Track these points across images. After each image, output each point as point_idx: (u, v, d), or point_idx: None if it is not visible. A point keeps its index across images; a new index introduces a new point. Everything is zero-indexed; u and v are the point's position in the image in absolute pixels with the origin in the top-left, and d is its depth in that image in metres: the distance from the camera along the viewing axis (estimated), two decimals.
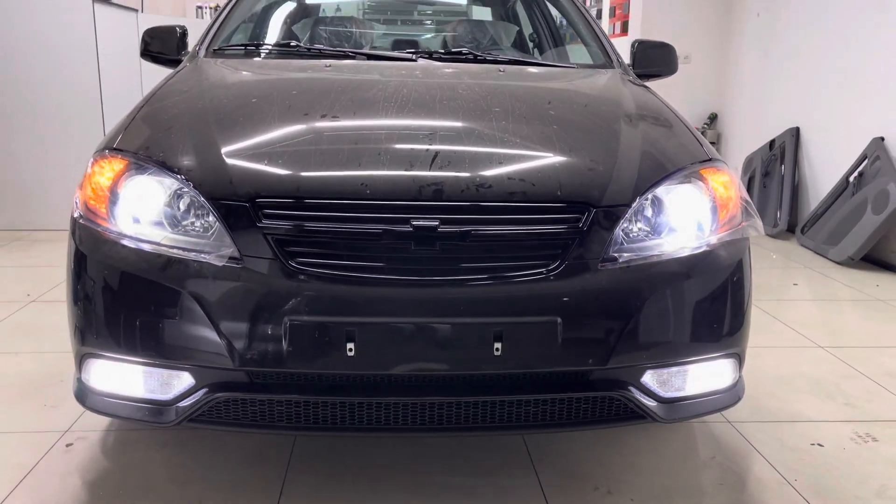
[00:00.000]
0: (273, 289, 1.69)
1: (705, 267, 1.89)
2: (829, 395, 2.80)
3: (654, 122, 2.24)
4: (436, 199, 1.74)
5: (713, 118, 7.10)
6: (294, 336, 1.67)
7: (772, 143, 6.08)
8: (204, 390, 1.76)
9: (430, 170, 1.79)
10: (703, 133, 7.05)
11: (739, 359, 1.99)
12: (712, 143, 7.02)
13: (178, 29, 2.96)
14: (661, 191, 1.91)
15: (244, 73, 2.62)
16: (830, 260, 4.94)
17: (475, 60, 2.81)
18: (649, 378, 1.85)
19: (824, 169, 5.55)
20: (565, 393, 1.79)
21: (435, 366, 1.73)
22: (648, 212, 1.90)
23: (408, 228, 1.70)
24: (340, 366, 1.70)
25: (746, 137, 6.62)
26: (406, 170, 1.80)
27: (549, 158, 1.91)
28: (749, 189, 6.24)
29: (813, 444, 2.41)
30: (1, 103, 5.17)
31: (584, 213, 1.79)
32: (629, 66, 3.04)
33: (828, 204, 5.28)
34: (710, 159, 2.04)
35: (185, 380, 1.77)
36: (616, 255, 1.80)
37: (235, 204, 1.74)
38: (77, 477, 2.12)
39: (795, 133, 5.85)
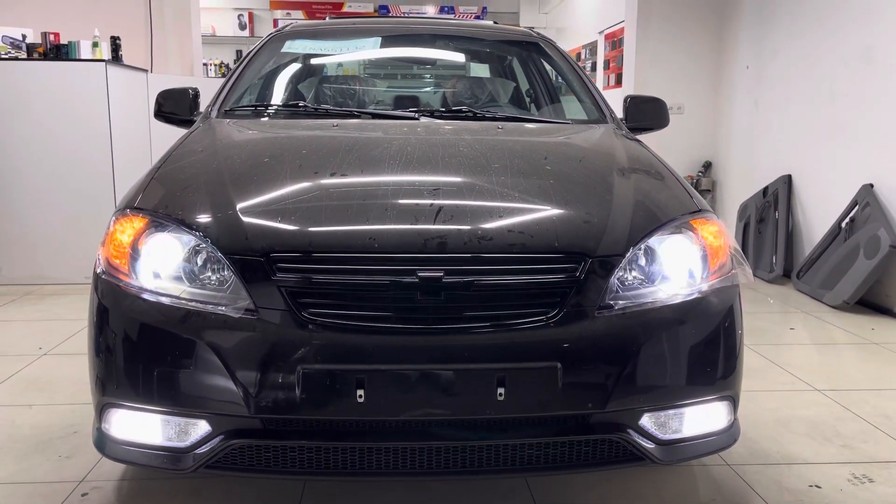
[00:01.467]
0: (286, 339, 1.78)
1: (698, 313, 1.98)
2: (826, 437, 2.86)
3: (646, 175, 2.36)
4: (440, 251, 1.84)
5: (707, 166, 7.26)
6: (307, 384, 1.75)
7: (765, 190, 6.22)
8: (220, 437, 1.83)
9: (434, 223, 1.90)
10: (697, 181, 7.20)
11: (734, 401, 2.07)
12: (707, 190, 7.17)
13: (190, 91, 3.09)
14: (653, 241, 2.01)
15: (256, 133, 2.75)
16: (826, 304, 5.03)
17: (474, 118, 2.95)
18: (647, 421, 1.93)
19: (817, 215, 5.68)
20: (566, 436, 1.87)
21: (441, 410, 1.81)
22: (642, 261, 2.00)
23: (414, 279, 1.80)
24: (351, 412, 1.78)
25: (740, 185, 6.76)
26: (412, 224, 1.90)
27: (547, 211, 2.02)
28: (744, 235, 6.36)
29: (811, 486, 2.47)
30: (14, 160, 5.32)
31: (580, 262, 1.89)
32: (622, 120, 3.17)
33: (822, 249, 5.39)
34: (699, 210, 2.15)
35: (201, 427, 1.85)
36: (612, 302, 1.89)
37: (251, 259, 1.84)
38: None
39: (788, 180, 5.99)
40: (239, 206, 1.97)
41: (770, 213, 6.07)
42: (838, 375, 3.62)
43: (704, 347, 1.98)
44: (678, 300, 1.96)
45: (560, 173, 2.29)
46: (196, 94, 3.10)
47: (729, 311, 2.04)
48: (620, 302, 1.90)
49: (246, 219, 1.93)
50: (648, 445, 1.93)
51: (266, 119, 2.99)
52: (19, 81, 5.25)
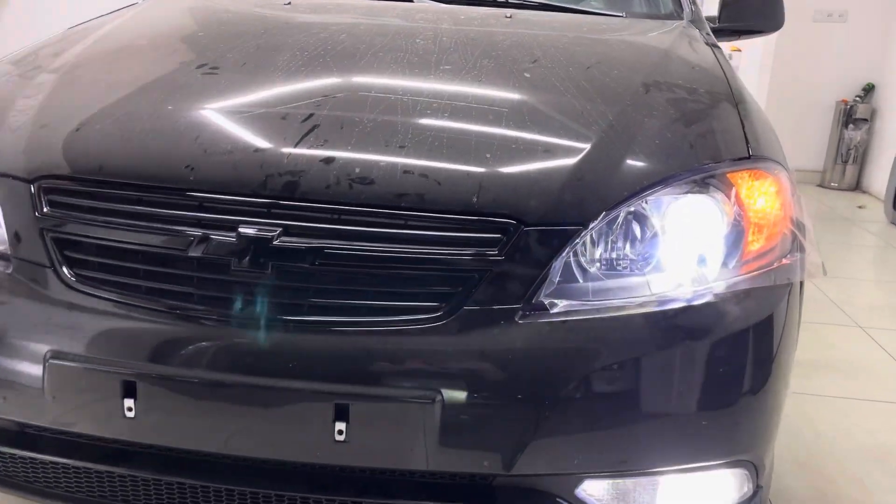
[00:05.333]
0: (37, 311, 1.20)
1: (701, 327, 1.21)
2: None
3: (689, 98, 1.54)
4: (284, 195, 1.17)
5: (869, 90, 5.93)
6: (55, 381, 1.18)
7: None
8: None
9: (295, 147, 1.22)
10: (853, 107, 5.89)
11: (755, 467, 1.30)
12: (864, 119, 5.87)
13: None
14: (650, 202, 1.25)
15: (183, 8, 2.12)
16: None
17: (493, 3, 2.18)
18: (591, 489, 1.21)
19: None
20: (446, 503, 1.20)
21: (246, 445, 1.18)
22: (623, 234, 1.24)
23: (230, 237, 1.15)
24: (113, 429, 1.19)
25: None
26: (264, 144, 1.24)
27: (479, 145, 1.28)
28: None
29: None
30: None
31: (506, 233, 1.16)
32: (713, 18, 2.33)
33: None
34: (750, 157, 1.34)
35: None
36: (547, 301, 1.16)
37: (15, 182, 1.26)
38: None
39: None
40: (43, 110, 1.38)
41: None
42: None
43: (709, 384, 1.21)
44: (669, 306, 1.20)
45: (540, 85, 1.50)
46: None
47: (764, 327, 1.25)
48: (563, 301, 1.16)
49: (36, 127, 1.33)
50: None
51: None
52: None
